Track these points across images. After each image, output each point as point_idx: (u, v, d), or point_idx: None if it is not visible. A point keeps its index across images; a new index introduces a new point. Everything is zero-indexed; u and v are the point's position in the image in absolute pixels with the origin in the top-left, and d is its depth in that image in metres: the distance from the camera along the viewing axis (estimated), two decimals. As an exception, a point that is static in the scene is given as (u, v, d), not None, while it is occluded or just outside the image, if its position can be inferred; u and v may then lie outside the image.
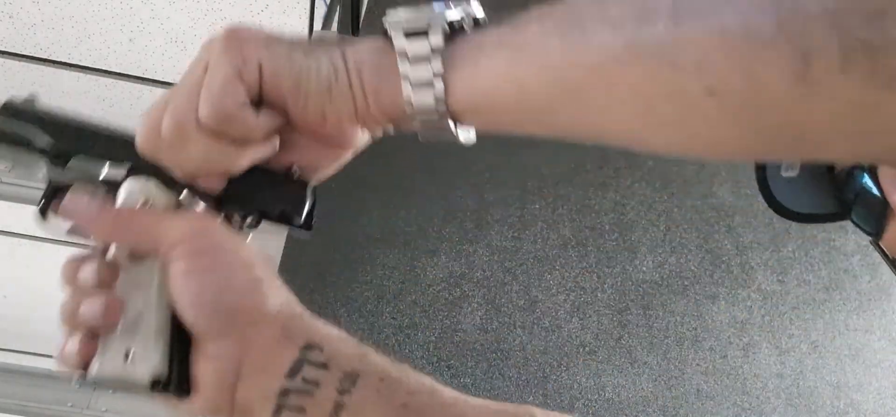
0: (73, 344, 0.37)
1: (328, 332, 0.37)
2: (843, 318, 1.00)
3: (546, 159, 1.10)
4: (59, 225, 0.42)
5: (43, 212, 0.42)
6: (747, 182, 1.16)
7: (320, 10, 1.55)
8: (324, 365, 0.36)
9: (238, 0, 1.60)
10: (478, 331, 0.88)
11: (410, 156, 1.03)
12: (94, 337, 0.37)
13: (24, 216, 2.30)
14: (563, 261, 0.98)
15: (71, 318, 0.37)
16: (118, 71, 1.77)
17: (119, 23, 1.66)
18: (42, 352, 3.28)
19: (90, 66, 1.77)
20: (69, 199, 0.41)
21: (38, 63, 1.76)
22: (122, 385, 0.38)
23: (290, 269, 0.86)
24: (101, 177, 0.41)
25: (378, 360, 0.37)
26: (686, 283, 1.00)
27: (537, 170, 1.08)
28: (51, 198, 0.42)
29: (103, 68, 1.77)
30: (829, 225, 1.12)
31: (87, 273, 0.38)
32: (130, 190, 0.41)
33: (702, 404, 0.89)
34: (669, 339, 0.93)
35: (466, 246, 0.96)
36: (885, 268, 1.10)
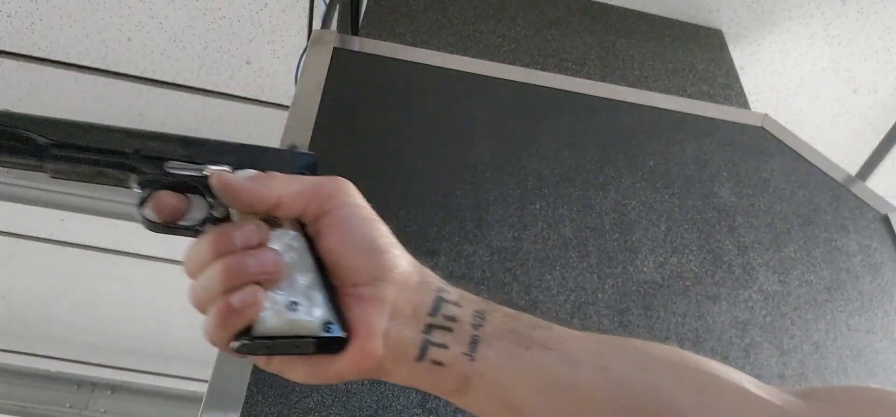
0: (242, 298, 0.37)
1: (446, 283, 0.42)
2: (845, 319, 1.00)
3: (546, 159, 1.10)
4: (151, 217, 0.43)
5: (142, 204, 0.43)
6: (749, 182, 1.15)
7: (320, 10, 1.54)
8: (457, 304, 0.40)
9: (237, 0, 1.59)
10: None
11: (410, 157, 1.03)
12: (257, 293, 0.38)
13: (24, 216, 2.30)
14: (563, 262, 0.98)
15: (235, 276, 0.38)
16: (117, 70, 1.77)
17: (117, 22, 1.65)
18: (42, 353, 3.28)
19: (89, 65, 1.76)
20: (218, 179, 0.42)
21: (36, 62, 1.75)
22: (288, 338, 0.39)
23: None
24: (202, 174, 0.44)
25: (496, 303, 0.41)
26: (687, 284, 0.99)
27: (537, 170, 1.08)
28: (149, 195, 0.44)
29: (102, 68, 1.77)
30: (830, 226, 1.12)
31: (248, 233, 0.40)
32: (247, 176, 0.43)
33: (703, 405, 0.88)
34: (671, 340, 0.93)
35: (466, 246, 0.96)
36: (886, 269, 1.10)
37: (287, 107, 1.63)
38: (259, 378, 0.77)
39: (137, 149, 0.44)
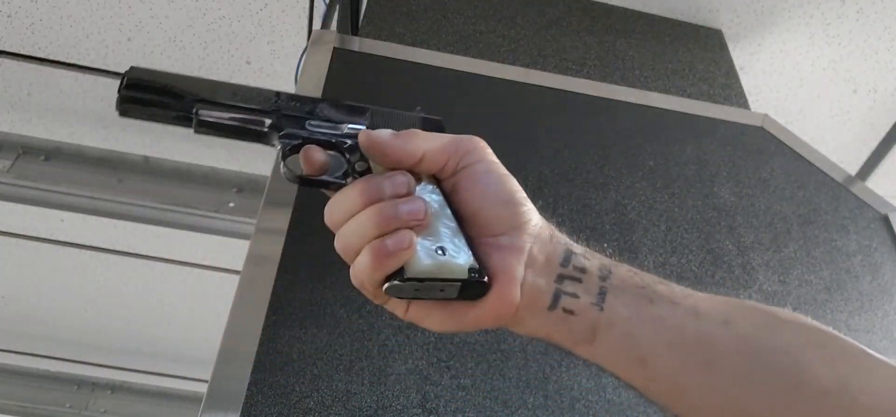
0: (397, 241, 0.39)
1: (570, 239, 0.44)
2: (845, 319, 1.00)
3: (546, 159, 1.10)
4: (296, 170, 0.46)
5: (285, 157, 0.46)
6: (749, 182, 1.15)
7: (320, 10, 1.54)
8: (585, 257, 0.42)
9: (237, 0, 1.60)
10: (478, 332, 0.87)
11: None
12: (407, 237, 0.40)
13: (24, 216, 2.30)
14: (563, 262, 0.98)
15: (388, 221, 0.39)
16: (117, 70, 1.77)
17: (117, 22, 1.65)
18: (42, 353, 3.28)
19: (89, 65, 1.76)
20: (367, 136, 0.44)
21: (36, 62, 1.75)
22: (436, 280, 0.40)
23: (290, 268, 0.86)
24: (345, 132, 0.47)
25: (617, 261, 0.43)
26: (687, 284, 0.99)
27: (537, 170, 1.08)
28: (295, 149, 0.46)
29: (102, 68, 1.77)
30: (830, 226, 1.12)
31: (398, 182, 0.41)
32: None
33: (703, 405, 0.88)
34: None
35: (466, 247, 0.96)
36: (886, 269, 1.10)
37: (287, 107, 1.62)
38: (259, 379, 0.77)
39: (279, 108, 0.47)
